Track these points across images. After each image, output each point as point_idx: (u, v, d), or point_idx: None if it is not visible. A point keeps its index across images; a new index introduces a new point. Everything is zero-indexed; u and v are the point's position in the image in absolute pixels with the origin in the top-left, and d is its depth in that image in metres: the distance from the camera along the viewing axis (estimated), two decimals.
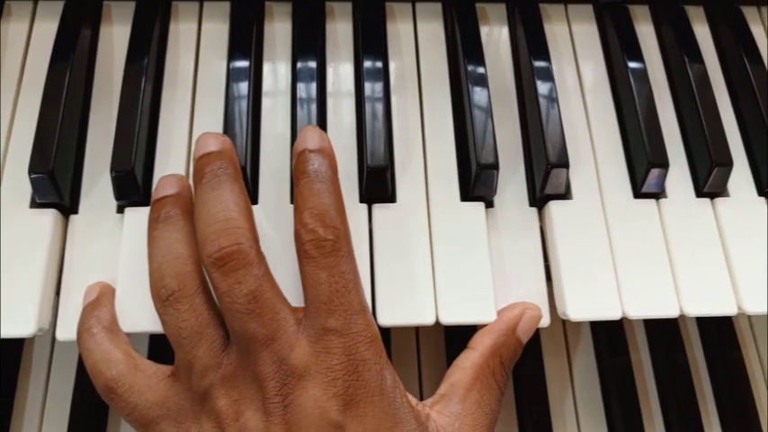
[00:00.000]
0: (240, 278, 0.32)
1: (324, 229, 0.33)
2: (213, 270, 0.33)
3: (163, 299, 0.34)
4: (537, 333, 0.51)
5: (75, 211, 0.40)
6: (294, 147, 0.37)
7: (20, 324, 0.36)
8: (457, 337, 0.48)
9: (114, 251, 0.39)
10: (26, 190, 0.39)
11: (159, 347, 0.47)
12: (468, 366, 0.37)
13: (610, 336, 0.54)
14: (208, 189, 0.35)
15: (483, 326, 0.39)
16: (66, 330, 0.37)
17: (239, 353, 0.33)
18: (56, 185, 0.38)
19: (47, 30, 0.44)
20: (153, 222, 0.36)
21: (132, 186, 0.39)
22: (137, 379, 0.34)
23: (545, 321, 0.39)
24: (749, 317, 0.55)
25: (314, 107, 0.42)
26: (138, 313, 0.37)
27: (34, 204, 0.39)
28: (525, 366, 0.51)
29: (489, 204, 0.41)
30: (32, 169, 0.38)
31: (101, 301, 0.36)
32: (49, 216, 0.39)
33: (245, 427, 0.32)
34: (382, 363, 0.34)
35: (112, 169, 0.38)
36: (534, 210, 0.42)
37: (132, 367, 0.35)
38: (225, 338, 0.34)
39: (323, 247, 0.33)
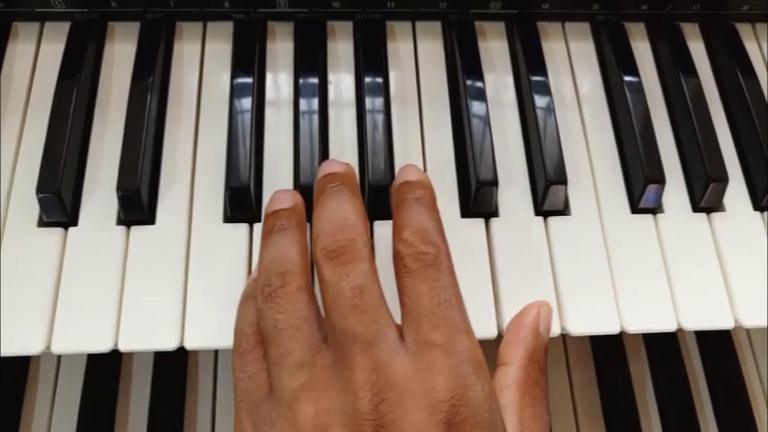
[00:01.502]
0: (350, 271, 0.31)
1: (424, 244, 0.33)
2: (324, 262, 0.32)
3: (266, 295, 0.33)
4: None
5: (75, 224, 0.40)
6: (394, 182, 0.38)
7: (27, 342, 0.37)
8: None
9: (112, 264, 0.39)
10: (34, 209, 0.40)
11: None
12: (510, 384, 0.35)
13: (609, 348, 0.54)
14: (329, 198, 0.35)
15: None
16: (63, 343, 0.37)
17: (335, 356, 0.31)
18: (62, 205, 0.39)
19: (53, 50, 0.45)
20: (267, 234, 0.36)
21: (138, 205, 0.40)
22: (249, 363, 0.33)
23: (555, 330, 0.39)
24: (747, 329, 0.55)
25: (316, 125, 0.43)
26: (143, 332, 0.38)
27: (41, 223, 0.40)
28: None
29: (494, 214, 0.42)
30: (40, 189, 0.39)
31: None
32: (57, 235, 0.39)
33: None
34: (491, 392, 0.31)
35: (118, 189, 0.39)
36: (540, 219, 0.42)
37: (253, 349, 0.34)
38: (321, 340, 0.32)
39: (423, 260, 0.32)
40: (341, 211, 0.34)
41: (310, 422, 0.29)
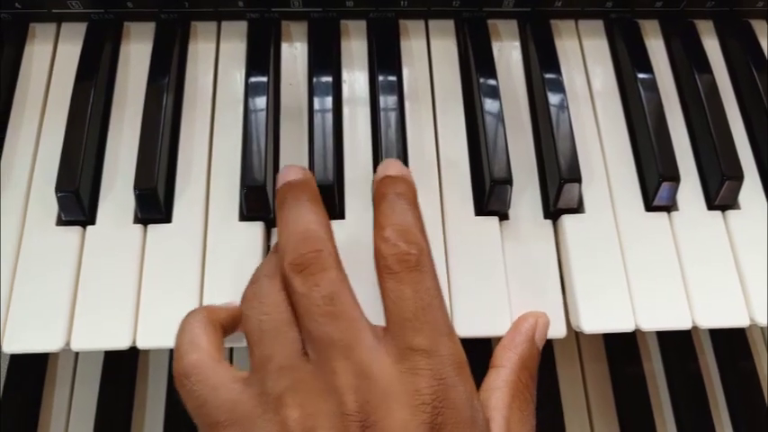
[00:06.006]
0: (319, 281, 0.32)
1: (407, 244, 0.33)
2: (293, 275, 0.32)
3: (246, 295, 0.34)
4: (550, 342, 0.52)
5: (93, 222, 0.41)
6: (375, 176, 0.38)
7: (47, 339, 0.37)
8: (471, 351, 0.49)
9: (130, 263, 0.39)
10: (53, 208, 0.40)
11: None
12: (501, 386, 0.36)
13: (623, 345, 0.54)
14: (289, 210, 0.36)
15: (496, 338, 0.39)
16: (82, 340, 0.38)
17: (317, 363, 0.31)
18: (81, 203, 0.40)
19: (70, 51, 0.45)
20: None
21: (154, 204, 0.40)
22: (215, 373, 0.32)
23: (562, 332, 0.39)
24: (762, 327, 0.55)
25: (330, 123, 0.43)
26: (160, 329, 0.38)
27: (60, 222, 0.40)
28: (539, 376, 0.51)
29: (504, 217, 0.42)
30: (59, 188, 0.39)
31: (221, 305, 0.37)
32: (75, 234, 0.40)
33: None
34: (472, 392, 0.32)
35: (136, 187, 0.40)
36: (549, 222, 0.42)
37: (211, 361, 0.33)
38: (303, 346, 0.32)
39: (406, 261, 0.32)
40: (302, 222, 0.35)
41: (296, 426, 0.30)
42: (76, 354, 0.50)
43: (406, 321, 0.31)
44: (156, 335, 0.38)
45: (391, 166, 0.38)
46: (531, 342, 0.38)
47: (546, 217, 0.42)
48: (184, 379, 0.32)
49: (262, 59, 0.45)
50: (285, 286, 0.33)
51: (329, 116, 0.43)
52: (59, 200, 0.39)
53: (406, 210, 0.35)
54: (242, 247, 0.40)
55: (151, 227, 0.41)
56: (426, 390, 0.30)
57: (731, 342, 0.54)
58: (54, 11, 0.46)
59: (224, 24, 0.48)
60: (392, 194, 0.36)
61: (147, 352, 0.52)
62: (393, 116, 0.43)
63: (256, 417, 0.31)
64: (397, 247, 0.33)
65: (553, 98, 0.44)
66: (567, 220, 0.41)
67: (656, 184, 0.42)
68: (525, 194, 0.43)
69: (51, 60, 0.46)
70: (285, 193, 0.36)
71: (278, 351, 0.32)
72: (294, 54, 0.47)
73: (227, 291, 0.39)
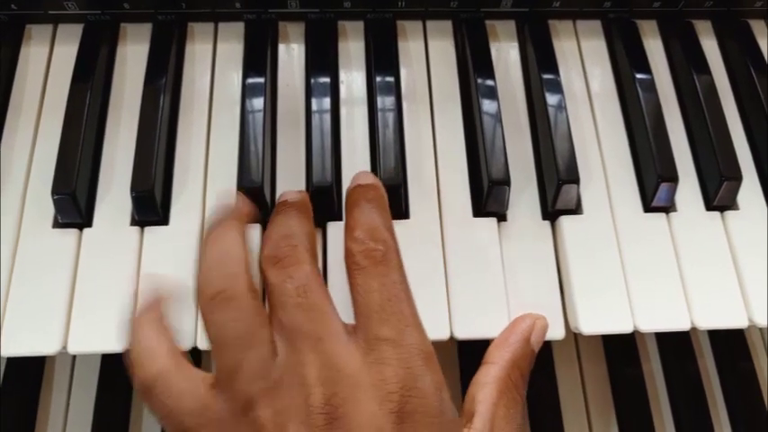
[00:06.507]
0: (292, 273, 0.33)
1: (374, 241, 0.34)
2: (268, 267, 0.34)
3: (209, 297, 0.33)
4: (549, 343, 0.52)
5: (89, 225, 0.41)
6: (347, 188, 0.38)
7: (44, 342, 0.37)
8: (470, 352, 0.49)
9: (127, 265, 0.39)
10: (49, 211, 0.40)
11: None
12: (490, 382, 0.36)
13: (622, 346, 0.54)
14: (277, 216, 0.37)
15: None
16: (78, 343, 0.38)
17: (286, 356, 0.31)
18: (77, 206, 0.39)
19: (66, 52, 0.45)
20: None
21: (151, 206, 0.40)
22: (177, 381, 0.32)
23: (560, 334, 0.39)
24: (761, 328, 0.55)
25: (328, 124, 0.43)
26: None
27: (57, 225, 0.40)
28: (537, 377, 0.51)
29: (502, 218, 0.42)
30: (56, 190, 0.39)
31: (159, 298, 0.36)
32: (72, 236, 0.40)
33: None
34: (440, 383, 0.32)
35: (132, 189, 0.39)
36: (547, 223, 0.42)
37: (174, 367, 0.32)
38: (274, 348, 0.32)
39: (373, 256, 0.33)
40: (286, 225, 0.36)
41: (267, 425, 0.30)
42: (74, 357, 0.50)
43: (372, 313, 0.32)
44: None
45: (362, 177, 0.39)
46: (526, 342, 0.38)
47: (544, 218, 0.42)
48: (148, 391, 0.32)
49: (259, 60, 0.45)
50: (253, 286, 0.33)
51: (327, 117, 0.43)
52: (56, 202, 0.39)
53: (375, 212, 0.36)
54: None
55: (148, 229, 0.40)
56: (393, 379, 0.31)
57: (730, 343, 0.54)
58: (50, 12, 0.46)
59: (221, 25, 0.47)
60: (362, 200, 0.37)
61: None
62: (391, 117, 0.43)
63: (228, 419, 0.31)
64: (365, 244, 0.34)
65: (551, 99, 0.44)
66: (566, 221, 0.41)
67: (654, 184, 0.42)
68: (523, 195, 0.43)
69: (48, 62, 0.46)
70: (279, 207, 0.38)
71: (251, 355, 0.32)
72: (291, 55, 0.47)
73: None
